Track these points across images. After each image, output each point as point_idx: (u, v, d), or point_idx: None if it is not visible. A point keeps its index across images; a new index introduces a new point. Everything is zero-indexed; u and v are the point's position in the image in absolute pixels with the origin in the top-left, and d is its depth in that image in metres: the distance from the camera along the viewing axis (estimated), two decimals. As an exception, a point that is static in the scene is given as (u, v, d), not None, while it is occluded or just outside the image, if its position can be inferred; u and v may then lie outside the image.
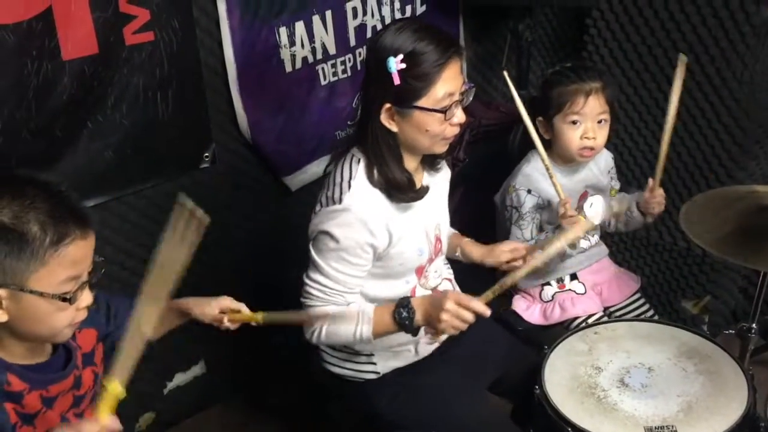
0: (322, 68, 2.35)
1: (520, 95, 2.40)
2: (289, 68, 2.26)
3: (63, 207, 1.19)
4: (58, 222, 1.17)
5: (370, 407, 1.74)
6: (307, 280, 1.64)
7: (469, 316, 1.51)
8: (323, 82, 2.37)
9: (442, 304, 1.50)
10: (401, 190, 1.61)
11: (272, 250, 2.42)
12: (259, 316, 1.58)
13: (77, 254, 1.19)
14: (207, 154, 2.20)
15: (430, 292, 1.76)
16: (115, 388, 1.19)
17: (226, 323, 1.58)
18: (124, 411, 2.28)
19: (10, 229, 1.15)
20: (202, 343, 2.47)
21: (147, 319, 1.23)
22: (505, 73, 1.85)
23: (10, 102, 1.76)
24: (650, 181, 2.00)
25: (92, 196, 1.99)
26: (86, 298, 1.24)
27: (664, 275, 2.78)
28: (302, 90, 2.32)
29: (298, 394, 2.40)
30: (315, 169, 2.43)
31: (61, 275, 1.18)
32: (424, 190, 1.66)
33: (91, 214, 1.24)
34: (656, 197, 1.99)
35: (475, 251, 1.89)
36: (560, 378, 1.66)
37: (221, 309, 1.58)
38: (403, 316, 1.56)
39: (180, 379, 2.47)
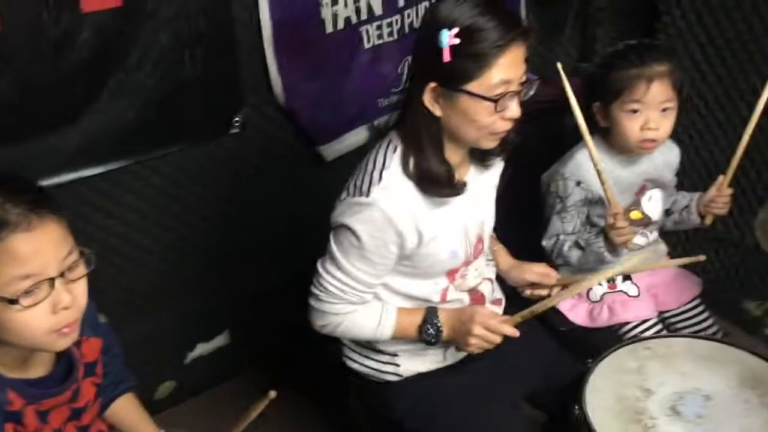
0: (366, 30, 2.16)
1: (581, 69, 2.19)
2: (330, 29, 2.08)
3: (4, 193, 1.04)
4: None
5: (387, 410, 1.61)
6: (323, 272, 1.50)
7: (498, 339, 1.44)
8: (367, 45, 2.18)
9: (470, 330, 1.44)
10: (436, 184, 1.44)
11: (304, 221, 2.27)
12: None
13: (21, 249, 1.04)
14: (237, 119, 2.05)
15: (465, 294, 1.60)
16: None
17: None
18: (143, 379, 2.25)
19: None
20: (227, 313, 2.38)
21: None
22: (559, 65, 1.63)
23: (25, 55, 1.63)
24: (720, 177, 1.79)
25: (113, 159, 1.89)
26: (62, 298, 1.08)
27: (728, 273, 2.57)
28: (343, 53, 2.14)
29: (321, 377, 2.29)
30: (353, 138, 2.27)
31: (5, 274, 1.03)
32: (462, 187, 1.48)
33: (46, 200, 1.09)
34: (723, 197, 1.79)
35: (503, 261, 1.75)
36: (604, 399, 1.49)
37: None
38: (429, 332, 1.49)
39: (202, 348, 2.40)
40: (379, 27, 2.18)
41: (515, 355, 1.65)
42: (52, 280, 1.07)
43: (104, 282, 1.99)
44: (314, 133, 2.21)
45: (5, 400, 1.11)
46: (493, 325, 1.44)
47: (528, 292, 1.71)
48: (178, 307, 2.24)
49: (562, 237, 1.84)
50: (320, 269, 1.51)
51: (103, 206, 1.93)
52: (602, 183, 1.67)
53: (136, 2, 1.74)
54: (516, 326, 1.49)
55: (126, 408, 1.45)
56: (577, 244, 1.83)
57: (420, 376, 1.61)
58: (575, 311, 1.94)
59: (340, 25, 2.09)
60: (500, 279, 1.75)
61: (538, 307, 1.50)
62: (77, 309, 1.12)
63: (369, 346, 1.63)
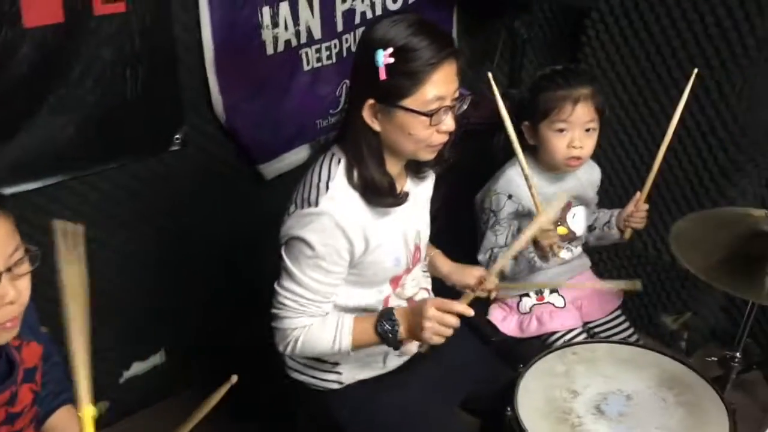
0: (306, 53, 2.23)
1: (510, 95, 2.31)
2: (270, 51, 2.14)
3: None
4: None
5: (330, 418, 1.64)
6: (279, 290, 1.53)
7: (453, 320, 1.44)
8: (306, 68, 2.25)
9: (424, 312, 1.43)
10: (380, 194, 1.50)
11: (242, 238, 2.32)
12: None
13: None
14: (178, 137, 2.08)
15: (404, 303, 1.66)
16: (89, 412, 1.09)
17: None
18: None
19: None
20: (164, 331, 2.37)
21: (81, 342, 1.11)
22: (490, 75, 1.73)
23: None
24: (637, 194, 1.91)
25: (51, 174, 1.89)
26: (7, 292, 1.10)
27: (646, 288, 2.71)
28: (283, 74, 2.21)
29: (258, 393, 2.30)
30: (293, 157, 2.32)
31: None
32: (405, 197, 1.55)
33: None
34: (640, 212, 1.91)
35: (444, 265, 1.81)
36: (534, 400, 1.57)
37: None
38: (385, 328, 1.48)
39: (138, 368, 2.37)
40: (318, 50, 2.26)
41: (451, 363, 1.72)
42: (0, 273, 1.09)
43: (39, 299, 1.96)
44: (254, 152, 2.25)
45: None
46: (445, 305, 1.45)
47: (468, 292, 1.76)
48: (114, 325, 2.21)
49: (495, 250, 1.93)
50: (277, 288, 1.54)
51: (39, 222, 1.91)
52: (529, 188, 1.76)
53: (78, 19, 1.76)
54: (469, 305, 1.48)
55: (66, 419, 1.43)
56: None
57: (361, 383, 1.65)
58: (506, 323, 2.02)
59: (281, 47, 2.16)
60: (435, 288, 1.82)
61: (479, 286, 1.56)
62: (21, 304, 1.13)
63: (311, 356, 1.67)
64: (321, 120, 2.36)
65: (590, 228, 2.07)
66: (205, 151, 2.18)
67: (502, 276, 1.93)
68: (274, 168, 2.31)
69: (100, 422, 2.13)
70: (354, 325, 1.52)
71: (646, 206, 1.91)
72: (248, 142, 2.22)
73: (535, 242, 1.81)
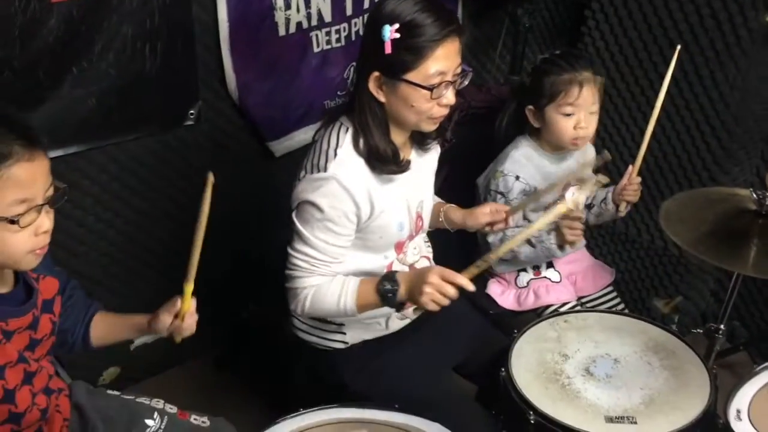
0: (316, 35, 2.32)
1: (513, 80, 2.39)
2: (282, 32, 2.23)
3: (5, 129, 1.18)
4: None
5: (335, 376, 1.74)
6: (292, 252, 1.62)
7: (452, 291, 1.50)
8: (316, 50, 2.33)
9: (426, 278, 1.49)
10: (383, 161, 1.59)
11: (252, 213, 2.40)
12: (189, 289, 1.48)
13: (23, 176, 1.18)
14: (192, 112, 2.17)
15: (407, 269, 1.75)
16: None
17: (185, 327, 1.48)
18: (88, 364, 2.29)
19: None
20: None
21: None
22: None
23: (-9, 40, 1.72)
24: (629, 167, 1.98)
25: (72, 143, 1.97)
26: (44, 222, 1.24)
27: (639, 272, 2.80)
28: (294, 55, 2.29)
29: (265, 358, 2.39)
30: (301, 136, 2.41)
31: (8, 197, 1.18)
32: (407, 164, 1.64)
33: (39, 137, 1.24)
34: (633, 185, 1.98)
35: (457, 214, 1.89)
36: (527, 362, 1.67)
37: (173, 313, 1.46)
38: (386, 288, 1.55)
39: (148, 336, 2.45)
40: (328, 33, 2.34)
41: (449, 329, 1.82)
42: (40, 206, 1.22)
43: (55, 264, 2.06)
44: (265, 129, 2.34)
45: None
46: (448, 275, 1.49)
47: (488, 229, 1.88)
48: (126, 293, 2.30)
49: (509, 232, 1.98)
50: (289, 250, 1.63)
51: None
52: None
53: (102, -5, 1.85)
54: (471, 280, 1.52)
55: (105, 318, 1.55)
56: (528, 242, 1.98)
57: (364, 344, 1.75)
58: (504, 296, 2.12)
59: (292, 29, 2.24)
60: (438, 259, 1.90)
61: (490, 257, 1.57)
62: (50, 234, 1.27)
63: (318, 318, 1.75)
64: (329, 101, 2.44)
65: (589, 207, 2.15)
66: (217, 127, 2.27)
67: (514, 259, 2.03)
68: (283, 145, 2.39)
69: (110, 387, 2.23)
70: (358, 286, 1.60)
71: (639, 179, 1.97)
72: (259, 120, 2.31)
73: (559, 233, 1.89)
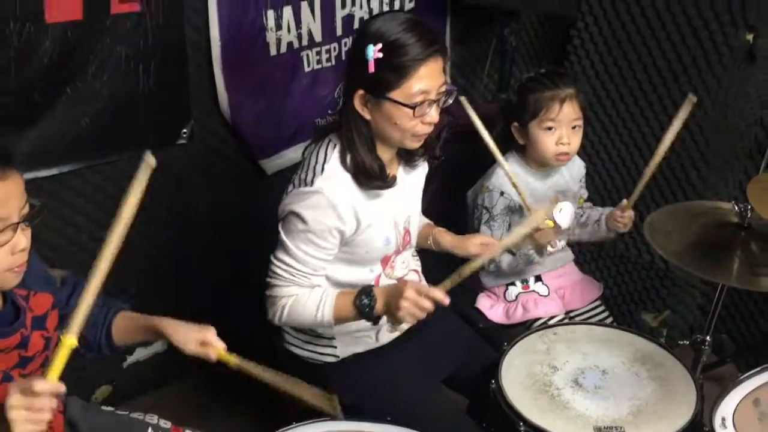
0: (307, 55, 2.36)
1: (500, 99, 2.44)
2: (273, 52, 2.27)
3: None
4: None
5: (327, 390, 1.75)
6: (274, 260, 1.66)
7: (428, 305, 1.51)
8: (306, 69, 2.38)
9: (402, 292, 1.51)
10: (370, 177, 1.62)
11: (243, 230, 2.43)
12: (233, 361, 1.51)
13: None
14: (185, 131, 2.20)
15: (394, 282, 1.77)
16: (70, 340, 1.16)
17: (212, 357, 1.50)
18: (81, 381, 2.29)
19: None
20: (169, 317, 2.46)
21: (101, 274, 1.22)
22: (463, 99, 1.80)
23: (-10, 61, 1.75)
24: (624, 201, 2.01)
25: (67, 162, 2.00)
26: (20, 241, 1.25)
27: (627, 287, 2.84)
28: (285, 75, 2.33)
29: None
30: (292, 155, 2.44)
31: None
32: (393, 180, 1.68)
33: (11, 156, 1.25)
34: (625, 218, 2.01)
35: (447, 240, 1.91)
36: (516, 374, 1.70)
37: (202, 341, 1.50)
38: (363, 302, 1.57)
39: (140, 354, 2.47)
40: (319, 53, 2.39)
41: (439, 341, 1.85)
42: (16, 224, 1.23)
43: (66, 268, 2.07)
44: (256, 148, 2.37)
45: None
46: (424, 289, 1.51)
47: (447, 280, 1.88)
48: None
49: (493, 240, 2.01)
50: (272, 259, 1.66)
51: (53, 208, 2.02)
52: (515, 186, 1.89)
53: (96, 16, 1.88)
54: (446, 293, 1.53)
55: (126, 318, 1.56)
56: (508, 250, 2.02)
57: (355, 357, 1.77)
58: (493, 310, 2.14)
59: (284, 49, 2.29)
60: (426, 272, 1.93)
61: (464, 270, 1.57)
62: (27, 252, 1.28)
63: (309, 332, 1.78)
64: (320, 119, 2.48)
65: (583, 225, 2.18)
66: (209, 145, 2.30)
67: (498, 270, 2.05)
68: (274, 164, 2.42)
69: (105, 404, 2.22)
70: (336, 298, 1.62)
71: (632, 213, 2.01)
72: (251, 138, 2.34)
73: (533, 239, 1.91)
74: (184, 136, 2.20)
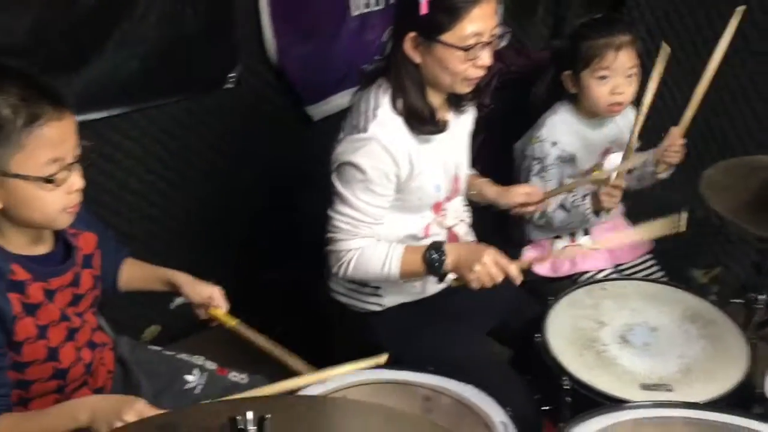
0: (355, -2, 2.31)
1: (554, 45, 2.35)
2: (321, -6, 2.23)
3: (34, 89, 1.21)
4: (29, 104, 1.19)
5: (371, 338, 1.76)
6: (333, 214, 1.63)
7: (500, 277, 1.51)
8: (354, 13, 2.33)
9: (479, 256, 1.50)
10: (421, 121, 1.59)
11: (288, 176, 2.43)
12: (233, 322, 1.58)
13: (54, 135, 1.21)
14: (232, 75, 2.19)
15: (444, 231, 1.76)
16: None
17: (203, 315, 1.62)
18: (130, 322, 2.34)
19: None
20: (213, 262, 2.49)
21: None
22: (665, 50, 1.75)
23: (39, 2, 1.75)
24: (673, 129, 1.92)
25: (115, 105, 2.01)
26: (76, 181, 1.27)
27: (678, 241, 2.74)
28: (333, 19, 2.29)
29: (302, 321, 2.43)
30: (339, 100, 2.41)
31: (41, 157, 1.20)
32: (444, 124, 1.64)
33: (66, 97, 1.25)
34: (675, 146, 1.92)
35: (491, 190, 1.89)
36: (562, 329, 1.67)
37: (210, 296, 1.61)
38: (433, 257, 1.56)
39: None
40: (367, -5, 2.33)
41: (484, 294, 1.80)
42: (71, 164, 1.25)
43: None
44: (303, 93, 2.35)
45: (8, 270, 1.25)
46: (502, 261, 1.51)
47: (517, 210, 1.87)
48: (167, 253, 2.34)
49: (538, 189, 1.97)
50: (330, 213, 1.64)
51: (103, 150, 2.04)
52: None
53: (143, -44, 1.87)
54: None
55: (133, 265, 1.63)
56: (562, 206, 1.98)
57: (400, 307, 1.76)
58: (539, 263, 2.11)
59: (331, -9, 2.24)
60: (475, 226, 1.91)
61: (545, 255, 1.63)
62: (81, 192, 1.30)
63: (354, 281, 1.77)
64: (367, 65, 2.41)
65: (630, 171, 2.11)
66: (256, 90, 2.29)
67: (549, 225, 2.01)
68: (321, 110, 2.40)
69: (153, 344, 2.28)
70: (404, 252, 1.61)
71: (683, 140, 1.92)
72: (297, 84, 2.32)
73: (595, 199, 1.88)
74: (231, 80, 2.19)
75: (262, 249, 2.49)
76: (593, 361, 1.58)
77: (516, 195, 1.84)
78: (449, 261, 1.56)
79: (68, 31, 1.82)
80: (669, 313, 1.71)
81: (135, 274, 1.62)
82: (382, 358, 1.40)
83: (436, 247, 1.57)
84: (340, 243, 1.63)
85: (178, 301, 2.37)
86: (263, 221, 2.46)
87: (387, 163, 1.56)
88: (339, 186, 1.61)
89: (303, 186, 2.12)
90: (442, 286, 1.77)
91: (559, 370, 1.56)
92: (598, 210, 1.91)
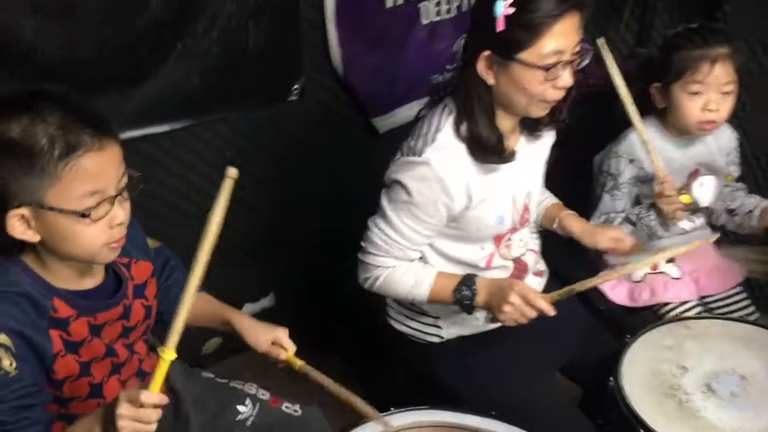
0: (425, 6, 2.22)
1: (638, 54, 2.20)
2: (389, 3, 2.15)
3: (75, 118, 1.13)
4: (68, 133, 1.12)
5: (429, 370, 1.68)
6: (371, 226, 1.58)
7: (531, 314, 1.43)
8: (424, 22, 2.24)
9: (507, 296, 1.43)
10: (486, 150, 1.48)
11: (352, 190, 2.35)
12: (299, 363, 1.51)
13: (92, 166, 1.14)
14: (296, 87, 2.13)
15: (510, 263, 1.65)
16: (169, 354, 1.12)
17: (282, 357, 1.53)
18: (192, 333, 2.33)
19: (18, 144, 1.10)
20: (273, 276, 2.46)
21: (195, 284, 1.15)
22: (602, 43, 1.64)
23: (98, 16, 1.72)
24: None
25: (178, 118, 1.97)
26: (118, 214, 1.19)
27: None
28: (401, 28, 2.21)
29: (361, 343, 2.36)
30: (406, 112, 2.32)
31: (78, 190, 1.13)
32: (511, 155, 1.53)
33: (110, 125, 1.18)
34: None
35: (575, 226, 1.75)
36: (640, 373, 1.53)
37: (274, 341, 1.53)
38: (464, 293, 1.50)
39: (249, 309, 2.48)
40: (438, 4, 2.24)
41: (554, 327, 1.68)
42: (113, 197, 1.18)
43: (159, 237, 2.09)
44: (369, 105, 2.28)
45: (50, 306, 1.20)
46: (531, 297, 1.44)
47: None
48: (228, 267, 2.32)
49: (612, 215, 1.86)
50: (370, 224, 1.58)
51: (165, 163, 2.02)
52: (648, 151, 1.69)
53: (206, -30, 1.82)
54: (554, 305, 1.47)
55: (205, 302, 1.57)
56: (627, 219, 1.84)
57: (460, 339, 1.67)
58: (616, 290, 1.97)
59: (400, 0, 2.15)
60: (545, 253, 1.78)
61: (577, 287, 1.49)
62: (126, 226, 1.23)
63: (412, 308, 1.69)
64: (436, 75, 2.35)
65: (731, 212, 1.97)
66: (321, 102, 2.23)
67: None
68: (387, 122, 2.33)
69: (212, 357, 2.25)
70: (435, 279, 1.55)
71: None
72: (363, 95, 2.25)
73: (656, 208, 1.74)
74: (295, 93, 2.13)
75: (323, 265, 2.44)
76: (674, 412, 1.44)
77: (603, 240, 1.71)
78: (480, 299, 1.50)
79: (130, 45, 1.79)
80: (762, 359, 1.55)
81: (197, 309, 1.54)
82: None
83: (468, 283, 1.50)
84: (370, 257, 1.58)
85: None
86: (325, 235, 2.40)
87: (436, 192, 1.48)
88: (385, 202, 1.55)
89: (366, 200, 2.05)
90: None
91: (636, 420, 1.42)
92: (663, 222, 1.76)
